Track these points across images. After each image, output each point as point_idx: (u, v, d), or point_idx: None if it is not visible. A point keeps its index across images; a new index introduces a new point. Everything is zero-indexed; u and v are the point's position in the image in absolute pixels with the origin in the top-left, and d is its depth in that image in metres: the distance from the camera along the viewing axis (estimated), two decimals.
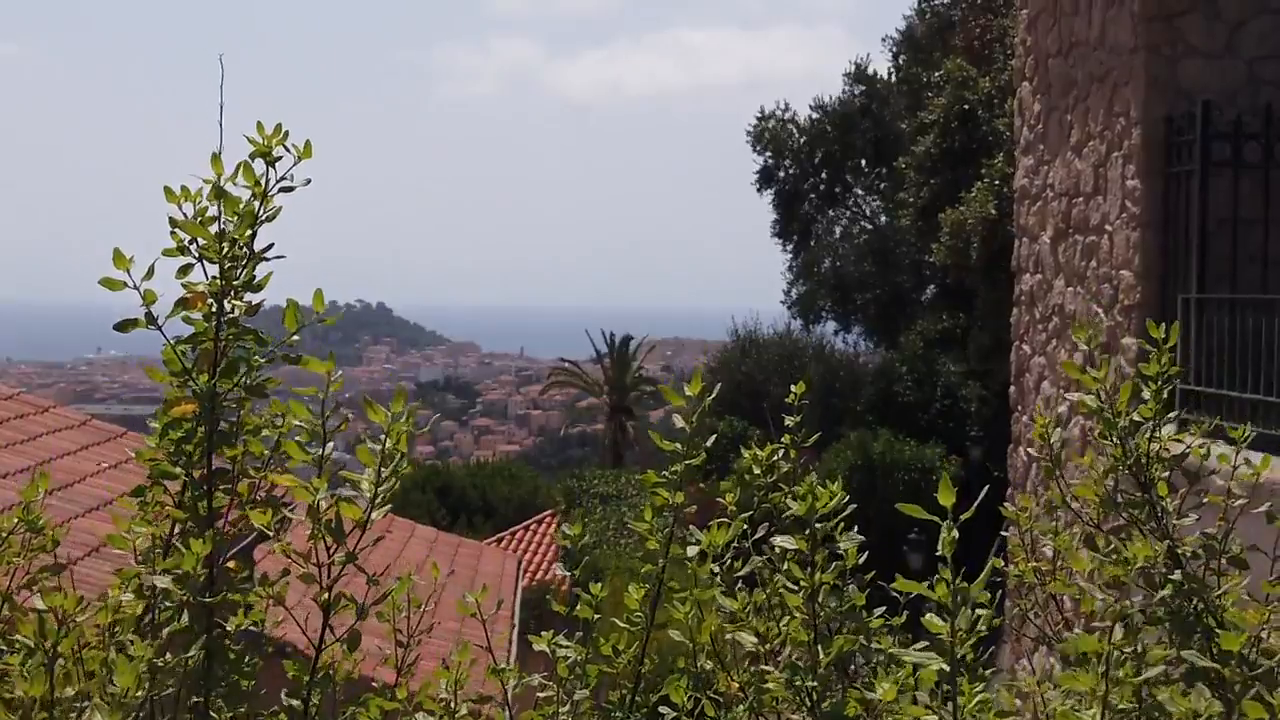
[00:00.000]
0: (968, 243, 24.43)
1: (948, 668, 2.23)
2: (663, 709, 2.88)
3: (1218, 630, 2.67)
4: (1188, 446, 3.08)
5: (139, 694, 2.45)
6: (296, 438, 2.71)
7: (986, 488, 2.79)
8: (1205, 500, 3.08)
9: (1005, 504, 3.88)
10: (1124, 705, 2.56)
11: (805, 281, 36.69)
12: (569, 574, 3.13)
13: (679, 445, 2.97)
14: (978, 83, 26.79)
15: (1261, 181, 8.89)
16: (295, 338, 2.74)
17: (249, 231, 2.66)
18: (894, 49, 35.09)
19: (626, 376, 48.24)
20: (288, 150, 2.67)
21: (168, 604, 2.64)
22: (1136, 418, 2.98)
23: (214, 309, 2.65)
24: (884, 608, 3.09)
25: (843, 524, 2.92)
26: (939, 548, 2.24)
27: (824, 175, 36.77)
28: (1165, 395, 3.03)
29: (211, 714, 2.58)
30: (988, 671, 2.49)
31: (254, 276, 2.68)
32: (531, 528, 28.26)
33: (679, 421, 2.98)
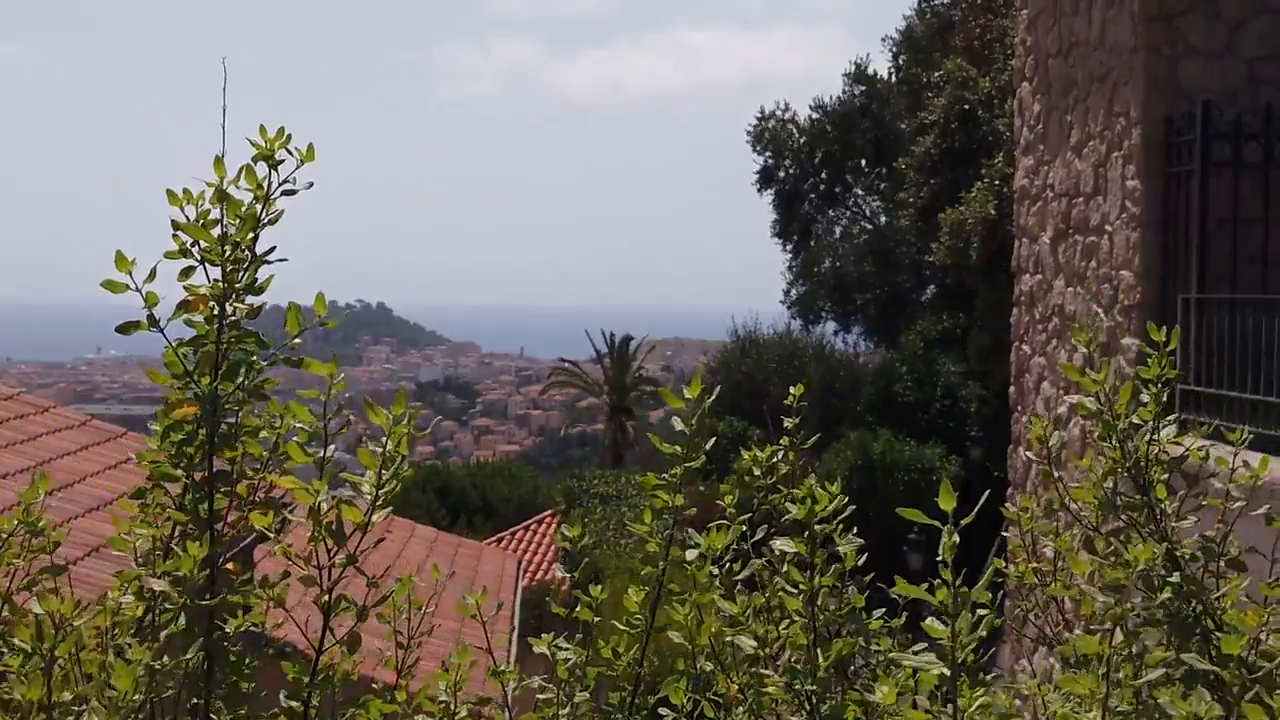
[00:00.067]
0: (968, 243, 24.44)
1: (948, 672, 2.23)
2: (662, 710, 2.88)
3: (1217, 633, 2.67)
4: (1187, 449, 3.08)
5: (137, 697, 2.45)
6: (295, 438, 2.71)
7: (987, 492, 2.78)
8: (1204, 503, 3.08)
9: (1006, 505, 3.89)
10: (1124, 708, 2.57)
11: (805, 281, 36.70)
12: (569, 575, 3.13)
13: (678, 448, 2.97)
14: (978, 83, 26.79)
15: (1261, 181, 8.89)
16: (297, 340, 2.74)
17: (251, 234, 2.66)
18: (894, 49, 35.11)
19: (626, 376, 48.24)
20: (290, 153, 2.68)
21: (167, 606, 2.64)
22: (1136, 420, 2.98)
23: (216, 312, 2.65)
24: (883, 609, 3.09)
25: (842, 526, 2.92)
26: (939, 551, 2.24)
27: (824, 175, 36.78)
28: (1164, 398, 3.03)
29: (211, 716, 2.58)
30: (989, 677, 2.49)
31: (256, 279, 2.68)
32: (531, 528, 28.26)
33: (679, 423, 2.98)
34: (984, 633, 2.25)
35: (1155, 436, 2.98)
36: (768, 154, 36.55)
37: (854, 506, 2.98)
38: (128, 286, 2.61)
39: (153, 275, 2.61)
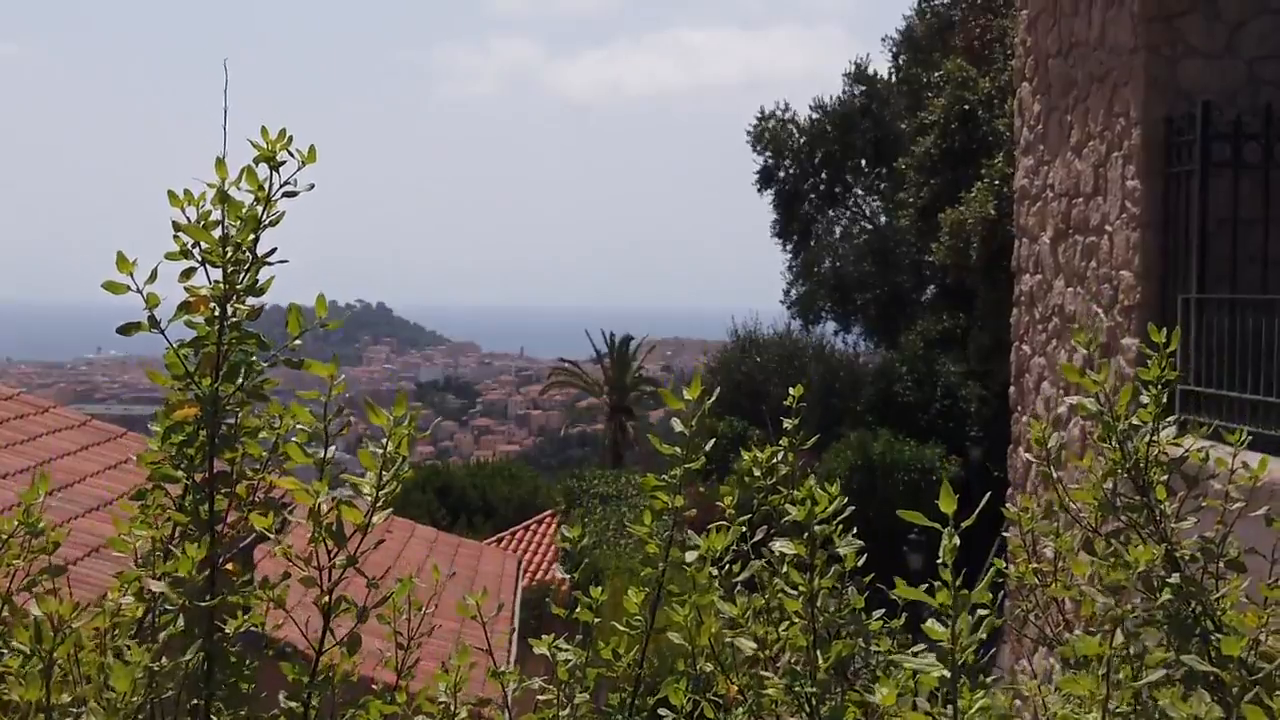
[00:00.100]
0: (968, 243, 24.44)
1: (948, 674, 2.23)
2: (662, 711, 2.89)
3: (1216, 634, 2.67)
4: (1186, 450, 3.08)
5: (135, 699, 2.45)
6: (294, 439, 2.71)
7: (988, 495, 2.78)
8: (1204, 504, 3.09)
9: (1006, 505, 3.89)
10: (1123, 709, 2.57)
11: (805, 281, 36.70)
12: (569, 576, 3.13)
13: (678, 449, 2.97)
14: (978, 83, 26.80)
15: (1261, 182, 8.89)
16: (298, 342, 2.74)
17: (252, 236, 2.66)
18: (894, 49, 35.12)
19: (626, 376, 48.24)
20: (291, 155, 2.68)
21: (167, 608, 2.64)
22: (1135, 421, 2.98)
23: (216, 313, 2.65)
24: (883, 610, 3.09)
25: (841, 527, 2.92)
26: (940, 553, 2.24)
27: (824, 175, 36.78)
28: (1164, 399, 3.04)
29: (211, 717, 2.58)
30: (990, 680, 2.49)
31: (256, 281, 2.68)
32: (531, 528, 28.26)
33: (679, 424, 2.98)
34: (984, 635, 2.25)
35: (1155, 438, 2.98)
36: (768, 154, 36.56)
37: (854, 507, 2.98)
38: (129, 288, 2.61)
39: (154, 276, 2.61)
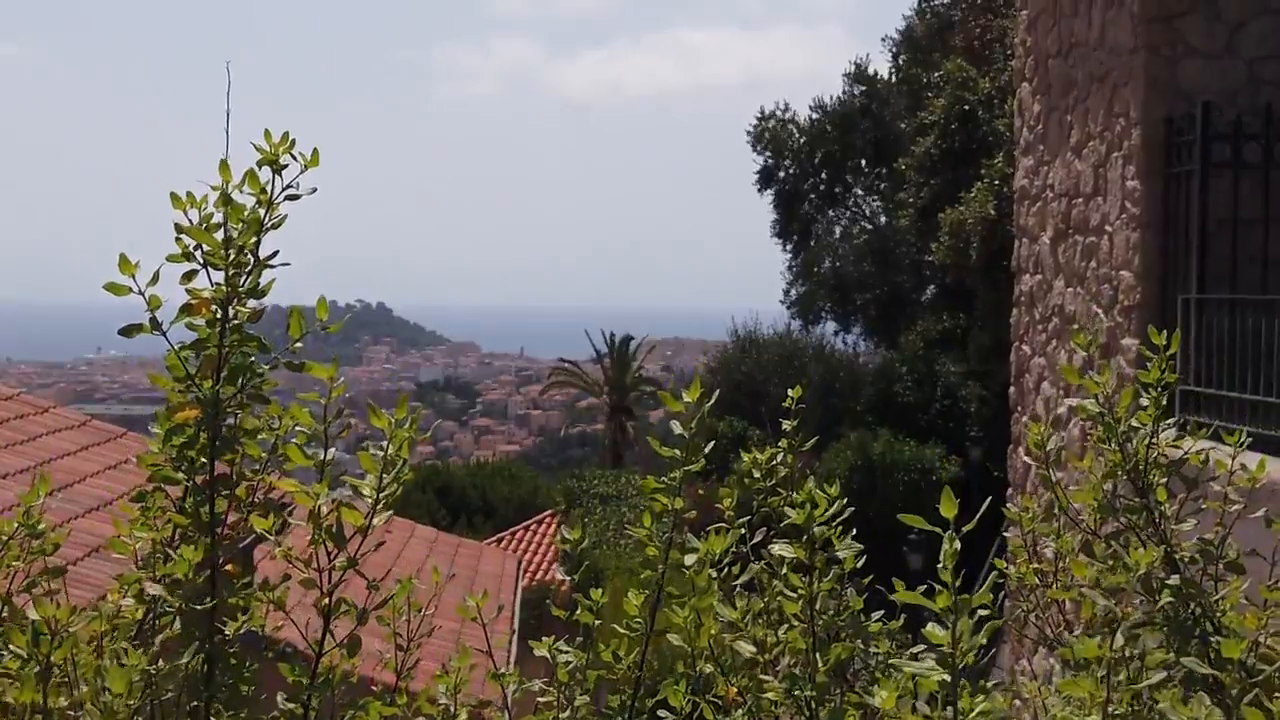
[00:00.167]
0: (967, 243, 24.45)
1: (948, 678, 2.22)
2: (661, 713, 2.89)
3: (1216, 636, 2.67)
4: (1185, 452, 3.08)
5: (132, 701, 2.45)
6: (294, 440, 2.71)
7: (989, 500, 2.78)
8: (1204, 505, 3.09)
9: (1007, 505, 3.89)
10: (1120, 711, 2.57)
11: (805, 282, 36.71)
12: (569, 578, 3.14)
13: (677, 452, 2.97)
14: (978, 83, 26.80)
15: (1261, 182, 8.89)
16: (298, 345, 2.74)
17: (254, 238, 2.66)
18: (894, 49, 35.12)
19: (626, 376, 48.25)
20: (294, 158, 2.68)
21: (167, 610, 2.64)
22: (1135, 423, 2.98)
23: (218, 315, 2.65)
24: (882, 611, 3.09)
25: (841, 528, 2.92)
26: (940, 558, 2.24)
27: (824, 175, 36.79)
28: (1164, 401, 3.04)
29: (211, 719, 2.58)
30: (991, 684, 2.49)
31: (258, 283, 2.68)
32: (531, 528, 28.27)
33: (679, 427, 2.98)
34: (984, 640, 2.24)
35: (1154, 440, 2.98)
36: (768, 154, 36.57)
37: (854, 507, 2.98)
38: (131, 290, 2.61)
39: (155, 279, 2.61)
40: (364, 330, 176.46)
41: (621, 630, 3.00)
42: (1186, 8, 9.35)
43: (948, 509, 2.27)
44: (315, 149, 2.68)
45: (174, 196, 2.62)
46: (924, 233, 28.41)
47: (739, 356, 33.21)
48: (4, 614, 2.80)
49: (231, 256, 2.64)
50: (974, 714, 2.22)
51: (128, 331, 2.68)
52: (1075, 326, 10.54)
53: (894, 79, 34.94)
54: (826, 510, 2.87)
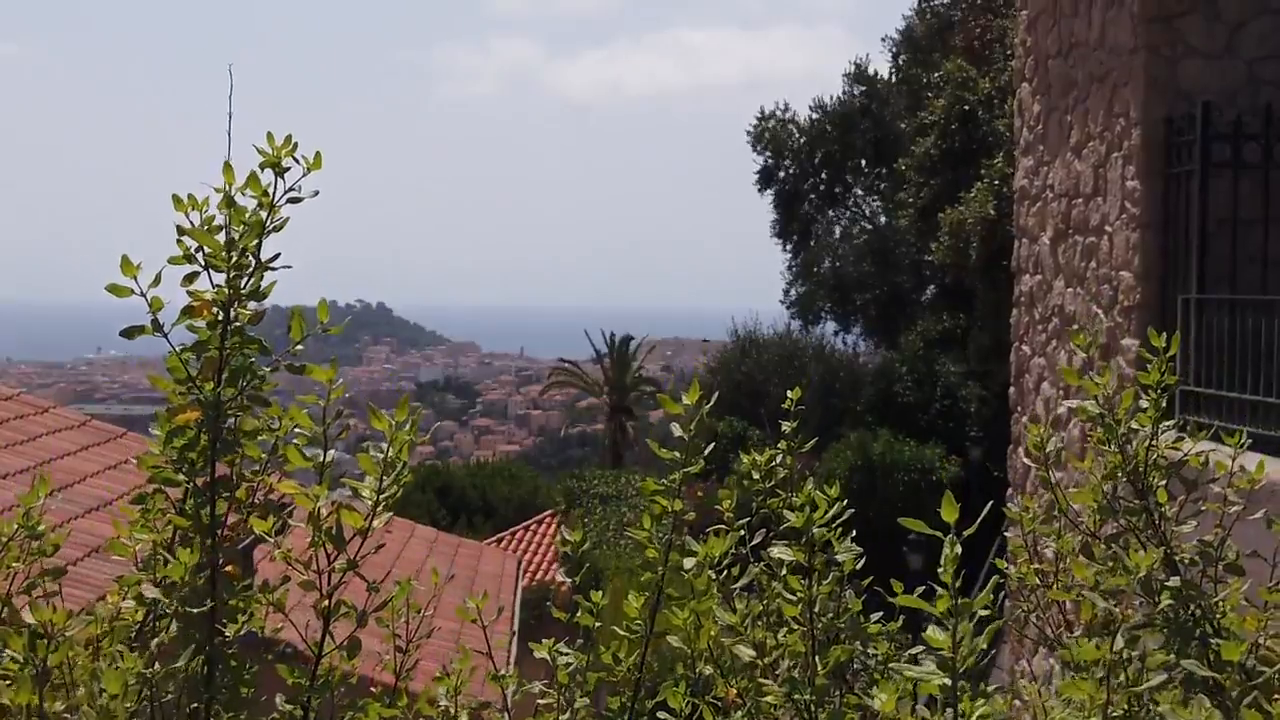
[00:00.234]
0: (967, 243, 24.46)
1: (949, 682, 2.22)
2: (661, 715, 2.89)
3: (1216, 638, 2.67)
4: (1185, 454, 3.08)
5: (128, 704, 2.45)
6: (294, 441, 2.71)
7: (989, 504, 2.78)
8: (1204, 507, 3.09)
9: (1007, 505, 3.88)
10: (1117, 713, 2.56)
11: (805, 282, 36.72)
12: (570, 580, 3.13)
13: (677, 454, 2.97)
14: (977, 83, 26.81)
15: (1261, 182, 8.89)
16: (299, 347, 2.74)
17: (256, 241, 2.66)
18: (894, 49, 35.13)
19: (626, 376, 48.25)
20: (296, 161, 2.68)
21: (165, 612, 2.64)
22: (1135, 425, 2.98)
23: (219, 317, 2.65)
24: (881, 613, 3.09)
25: (840, 529, 2.91)
26: (941, 563, 2.24)
27: (824, 175, 36.81)
28: (1164, 403, 3.03)
29: None
30: (992, 688, 2.49)
31: (260, 285, 2.68)
32: (531, 528, 28.27)
33: (678, 429, 2.98)
34: (984, 644, 2.24)
35: (1154, 441, 2.98)
36: (768, 154, 36.58)
37: (854, 507, 2.98)
38: (133, 291, 2.61)
39: (157, 280, 2.61)
40: (364, 330, 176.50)
41: (621, 632, 3.00)
42: (1186, 8, 9.35)
43: (949, 513, 2.27)
44: (318, 152, 2.68)
45: (175, 199, 2.62)
46: (924, 233, 28.42)
47: (739, 356, 33.23)
48: (3, 615, 2.79)
49: (233, 259, 2.64)
50: (974, 718, 2.22)
51: (130, 333, 2.68)
52: (1075, 327, 10.54)
53: (894, 79, 34.95)
54: (826, 512, 2.87)
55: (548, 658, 3.03)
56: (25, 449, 10.79)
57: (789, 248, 37.31)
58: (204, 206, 2.63)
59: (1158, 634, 2.72)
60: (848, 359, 33.83)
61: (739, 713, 2.89)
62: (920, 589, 2.44)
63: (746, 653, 2.90)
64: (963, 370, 29.12)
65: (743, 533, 3.08)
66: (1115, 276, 9.92)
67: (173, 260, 2.64)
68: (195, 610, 2.57)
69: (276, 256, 2.69)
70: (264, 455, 2.74)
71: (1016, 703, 3.56)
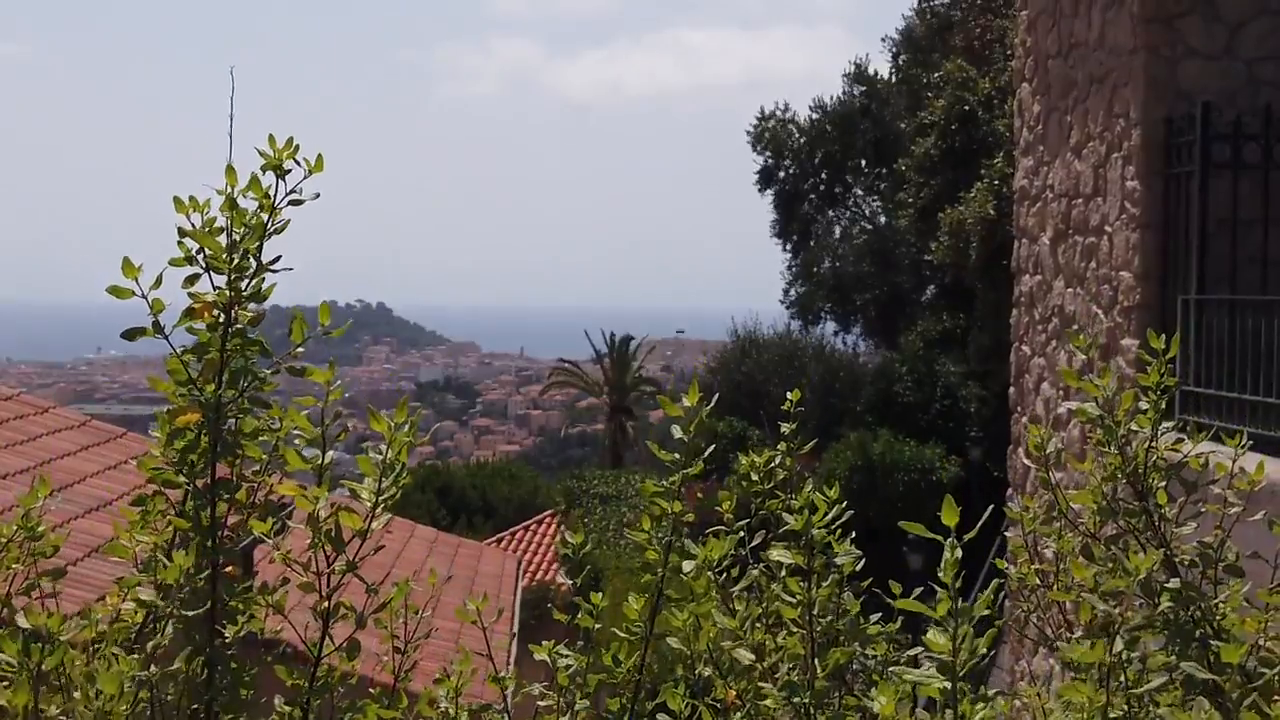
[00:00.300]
0: (967, 243, 24.46)
1: (949, 685, 2.22)
2: (661, 716, 2.89)
3: (1215, 640, 2.67)
4: (1185, 455, 3.08)
5: (123, 707, 2.45)
6: (294, 443, 2.71)
7: (990, 509, 2.78)
8: (1204, 509, 3.08)
9: (1007, 505, 3.88)
10: (1115, 714, 2.56)
11: (805, 282, 36.72)
12: (570, 582, 3.14)
13: (676, 456, 2.96)
14: (977, 83, 26.81)
15: (1261, 182, 8.89)
16: (300, 349, 2.73)
17: (257, 243, 2.66)
18: (894, 49, 35.13)
19: (626, 377, 48.26)
20: (298, 163, 2.68)
21: (166, 613, 2.64)
22: (1135, 426, 2.98)
23: (220, 319, 2.65)
24: (880, 614, 3.08)
25: (840, 531, 2.91)
26: (941, 564, 2.24)
27: (824, 175, 36.81)
28: (1164, 404, 3.03)
29: None
30: (992, 692, 2.48)
31: (260, 287, 2.68)
32: (531, 528, 28.28)
33: (678, 430, 2.98)
34: (985, 648, 2.24)
35: (1154, 442, 2.98)
36: (768, 154, 36.58)
37: (854, 508, 2.98)
38: (134, 293, 2.61)
39: (159, 282, 2.61)
40: (364, 330, 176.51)
41: (621, 634, 3.00)
42: (1186, 8, 9.35)
43: (949, 517, 2.27)
44: (320, 154, 2.68)
45: (177, 200, 2.62)
46: (924, 233, 28.42)
47: (739, 357, 33.23)
48: (3, 615, 2.79)
49: (234, 261, 2.64)
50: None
51: (131, 335, 2.68)
52: (1075, 327, 10.54)
53: (894, 79, 34.95)
54: (825, 514, 2.87)
55: (548, 659, 3.03)
56: (25, 449, 10.79)
57: (789, 248, 37.32)
58: (205, 208, 2.63)
59: (1157, 635, 2.72)
60: (848, 359, 33.83)
61: (738, 715, 2.89)
62: (920, 589, 2.44)
63: (746, 655, 2.90)
64: (963, 370, 29.12)
65: (742, 534, 3.08)
66: (1115, 277, 9.92)
67: (174, 262, 2.64)
68: (195, 612, 2.57)
69: (278, 259, 2.69)
70: (264, 456, 2.74)
71: (1017, 703, 3.56)
